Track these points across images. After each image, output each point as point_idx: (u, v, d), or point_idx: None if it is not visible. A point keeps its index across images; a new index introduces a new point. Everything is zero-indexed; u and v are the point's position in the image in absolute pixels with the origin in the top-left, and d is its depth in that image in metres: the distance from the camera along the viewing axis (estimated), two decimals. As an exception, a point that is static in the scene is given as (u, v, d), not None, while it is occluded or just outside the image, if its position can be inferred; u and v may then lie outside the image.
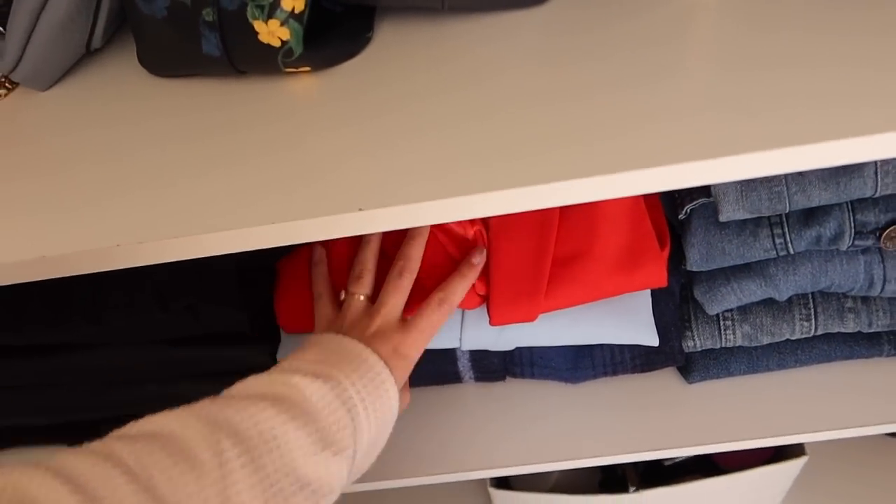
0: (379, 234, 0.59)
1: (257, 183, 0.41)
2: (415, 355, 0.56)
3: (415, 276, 0.57)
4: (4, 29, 0.47)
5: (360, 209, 0.38)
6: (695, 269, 0.61)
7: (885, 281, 0.59)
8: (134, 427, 0.44)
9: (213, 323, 0.62)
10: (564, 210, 0.58)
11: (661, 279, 0.59)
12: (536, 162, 0.39)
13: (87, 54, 0.53)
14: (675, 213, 0.62)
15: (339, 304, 0.59)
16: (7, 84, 0.53)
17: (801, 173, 0.54)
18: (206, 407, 0.46)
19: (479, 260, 0.58)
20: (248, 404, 0.46)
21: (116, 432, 0.43)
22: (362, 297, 0.58)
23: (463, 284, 0.57)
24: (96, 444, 0.41)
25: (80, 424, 0.73)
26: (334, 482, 0.47)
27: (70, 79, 0.53)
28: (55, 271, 0.40)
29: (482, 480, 0.93)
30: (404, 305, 0.57)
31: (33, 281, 0.60)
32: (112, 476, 0.38)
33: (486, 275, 0.58)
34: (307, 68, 0.46)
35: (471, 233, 0.58)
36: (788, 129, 0.37)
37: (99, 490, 0.37)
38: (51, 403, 0.70)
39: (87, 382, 0.68)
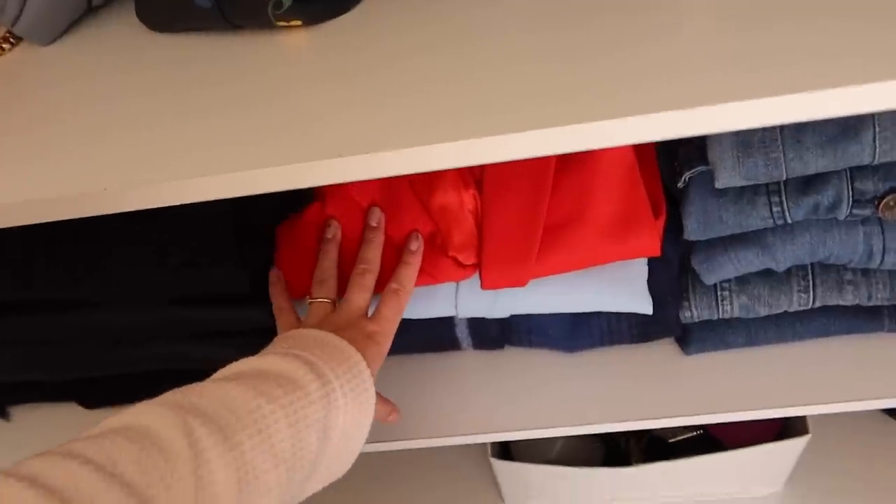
0: (336, 242, 0.62)
1: (243, 131, 0.42)
2: (385, 343, 0.57)
3: (376, 275, 0.59)
4: (5, -18, 0.48)
5: (340, 155, 0.38)
6: (692, 238, 0.61)
7: (884, 252, 0.58)
8: (96, 427, 0.42)
9: (214, 282, 0.63)
10: (557, 176, 0.58)
11: (655, 248, 0.58)
12: (525, 112, 0.38)
13: (89, 11, 0.54)
14: (675, 182, 0.61)
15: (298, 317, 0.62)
16: (11, 39, 0.54)
17: (798, 140, 0.53)
18: (170, 395, 0.45)
19: (416, 245, 0.60)
20: (214, 387, 0.46)
21: (78, 435, 0.41)
22: (327, 301, 0.59)
23: (410, 271, 0.60)
24: (57, 447, 0.39)
25: (88, 381, 0.75)
26: (306, 456, 0.47)
27: (72, 35, 0.54)
28: (41, 215, 0.41)
29: (484, 452, 0.94)
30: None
31: (40, 236, 0.62)
32: (73, 469, 0.37)
33: (472, 244, 0.59)
34: (298, 22, 0.46)
35: (464, 199, 0.58)
36: (784, 78, 0.36)
37: (61, 484, 0.36)
38: (59, 361, 0.72)
39: (93, 340, 0.70)
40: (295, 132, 0.41)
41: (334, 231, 0.63)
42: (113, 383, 0.74)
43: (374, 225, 0.61)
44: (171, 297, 0.65)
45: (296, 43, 0.47)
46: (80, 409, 0.78)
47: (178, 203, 0.41)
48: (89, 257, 0.62)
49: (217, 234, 0.59)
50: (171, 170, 0.41)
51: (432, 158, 0.38)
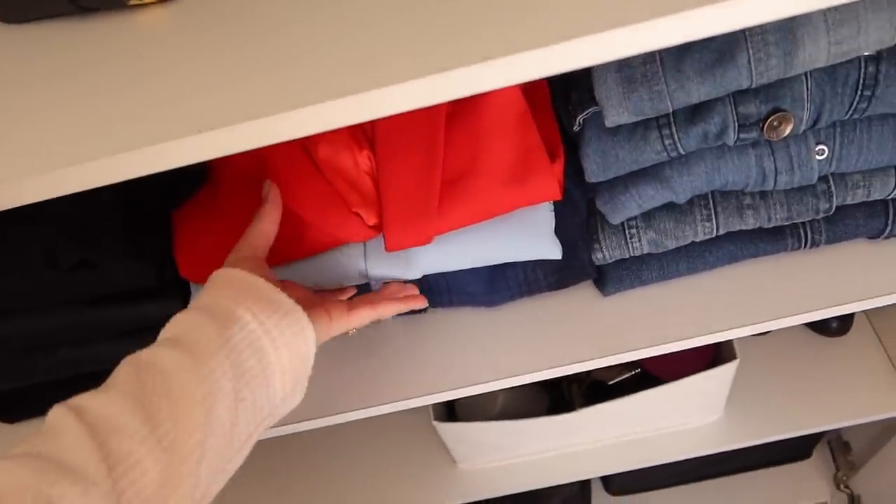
0: None
1: (102, 118, 0.40)
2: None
3: None
4: None
5: (200, 131, 0.37)
6: (593, 179, 0.61)
7: (776, 173, 0.60)
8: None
9: (117, 279, 0.61)
10: (449, 129, 0.57)
11: (555, 192, 0.59)
12: (395, 64, 0.37)
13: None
14: (573, 126, 0.61)
15: None
16: None
17: (678, 69, 0.54)
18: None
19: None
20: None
21: None
22: None
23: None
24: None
25: (3, 395, 0.72)
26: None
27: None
28: None
29: (426, 417, 0.94)
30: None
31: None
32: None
33: (373, 204, 0.58)
34: (153, -1, 0.45)
35: (359, 161, 0.57)
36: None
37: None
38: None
39: (1, 351, 0.67)
40: (148, 114, 0.39)
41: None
42: (31, 393, 0.71)
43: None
44: (72, 299, 0.62)
45: (154, 21, 0.45)
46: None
47: (43, 198, 0.40)
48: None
49: (107, 230, 0.57)
50: (34, 164, 0.39)
51: (290, 125, 0.37)
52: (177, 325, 0.50)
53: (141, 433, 0.42)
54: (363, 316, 0.59)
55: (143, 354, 0.48)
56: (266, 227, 0.56)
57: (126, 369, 0.47)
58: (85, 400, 0.44)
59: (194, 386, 0.45)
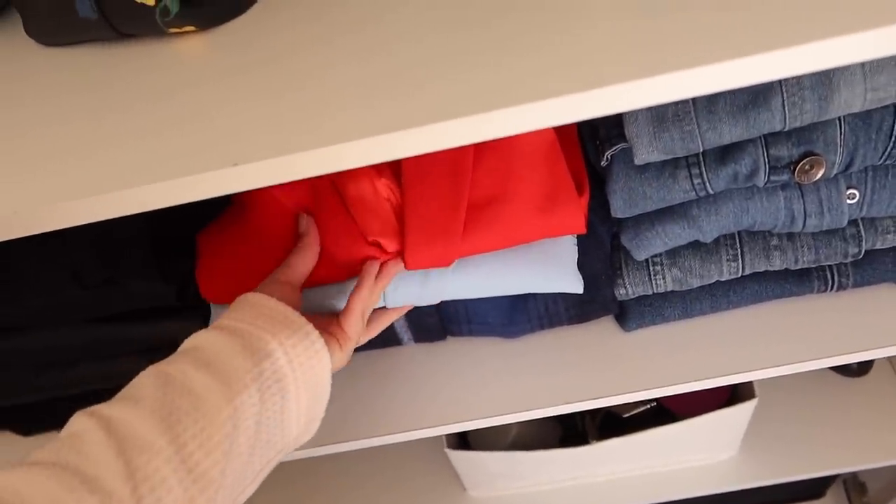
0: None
1: (130, 148, 0.40)
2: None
3: None
4: None
5: (236, 164, 0.37)
6: (619, 215, 0.61)
7: (805, 216, 0.59)
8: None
9: (139, 298, 0.62)
10: (479, 153, 0.57)
11: (580, 225, 0.58)
12: (426, 101, 0.37)
13: (-23, 29, 0.52)
14: (600, 161, 0.61)
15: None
16: None
17: (710, 111, 0.53)
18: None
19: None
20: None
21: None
22: None
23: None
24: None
25: (20, 408, 0.72)
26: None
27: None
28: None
29: (438, 443, 0.93)
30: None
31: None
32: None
33: (392, 231, 0.58)
34: (192, 28, 0.45)
35: (378, 188, 0.57)
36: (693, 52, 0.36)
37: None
38: (-13, 389, 0.69)
39: (20, 366, 0.68)
40: (183, 143, 0.39)
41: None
42: (46, 407, 0.71)
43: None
44: (95, 316, 0.63)
45: (189, 48, 0.45)
46: (15, 436, 0.76)
47: (86, 222, 0.40)
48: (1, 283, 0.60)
49: (134, 250, 0.57)
50: (75, 189, 0.39)
51: (335, 160, 0.37)
52: (205, 342, 0.49)
53: (167, 452, 0.42)
54: (352, 315, 0.57)
55: (171, 369, 0.47)
56: (307, 257, 0.57)
57: (152, 381, 0.46)
58: (111, 410, 0.44)
59: (224, 415, 0.45)
